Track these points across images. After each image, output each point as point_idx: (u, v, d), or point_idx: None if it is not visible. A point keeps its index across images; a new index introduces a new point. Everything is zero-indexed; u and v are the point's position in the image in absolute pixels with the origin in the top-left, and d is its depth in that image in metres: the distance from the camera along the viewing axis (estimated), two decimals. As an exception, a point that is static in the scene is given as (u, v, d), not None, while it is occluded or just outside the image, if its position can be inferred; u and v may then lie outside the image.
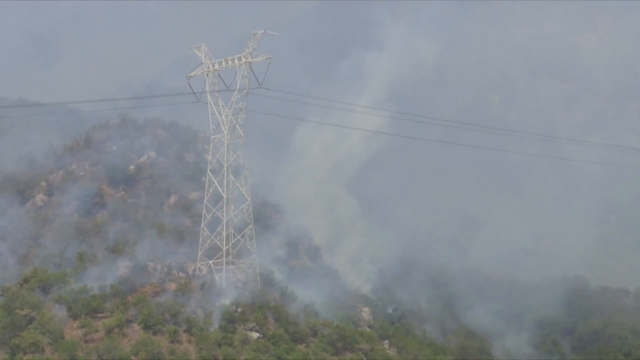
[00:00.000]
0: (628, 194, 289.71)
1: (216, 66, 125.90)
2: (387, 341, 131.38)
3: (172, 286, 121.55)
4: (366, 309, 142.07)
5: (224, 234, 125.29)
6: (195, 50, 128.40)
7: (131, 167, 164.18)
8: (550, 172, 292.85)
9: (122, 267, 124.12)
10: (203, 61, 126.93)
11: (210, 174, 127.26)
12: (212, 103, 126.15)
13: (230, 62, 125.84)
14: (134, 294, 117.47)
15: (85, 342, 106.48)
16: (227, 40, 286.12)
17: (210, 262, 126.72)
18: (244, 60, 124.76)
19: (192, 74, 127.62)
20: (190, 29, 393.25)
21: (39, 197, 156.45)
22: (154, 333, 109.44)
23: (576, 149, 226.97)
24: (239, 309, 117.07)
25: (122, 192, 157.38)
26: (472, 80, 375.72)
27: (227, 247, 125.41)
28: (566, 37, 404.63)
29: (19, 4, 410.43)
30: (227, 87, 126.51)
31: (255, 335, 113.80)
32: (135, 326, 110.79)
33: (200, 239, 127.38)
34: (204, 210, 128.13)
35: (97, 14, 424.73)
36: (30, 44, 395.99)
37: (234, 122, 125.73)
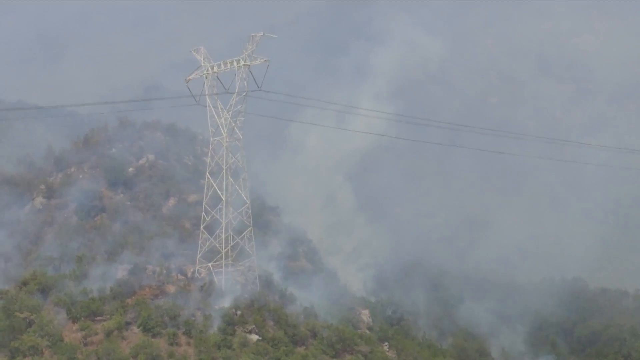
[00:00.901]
0: (627, 196, 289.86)
1: (215, 69, 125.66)
2: (386, 343, 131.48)
3: (171, 289, 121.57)
4: (365, 311, 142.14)
5: (223, 236, 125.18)
6: (194, 53, 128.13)
7: (130, 169, 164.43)
8: (550, 174, 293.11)
9: (121, 270, 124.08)
10: (202, 64, 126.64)
11: (209, 177, 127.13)
12: (211, 106, 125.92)
13: (229, 64, 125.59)
14: (133, 297, 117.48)
15: (85, 344, 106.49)
16: (225, 42, 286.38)
17: (210, 264, 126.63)
18: (242, 62, 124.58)
19: (191, 77, 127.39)
20: (188, 32, 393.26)
21: (38, 200, 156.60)
22: (153, 336, 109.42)
23: (576, 151, 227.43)
24: (238, 312, 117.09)
25: (121, 195, 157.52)
26: (473, 82, 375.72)
27: (226, 249, 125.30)
28: (566, 38, 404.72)
29: (19, 6, 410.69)
30: (226, 89, 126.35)
31: (254, 337, 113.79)
32: (135, 329, 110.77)
33: (200, 241, 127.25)
34: (203, 213, 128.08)
35: (96, 16, 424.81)
36: (29, 46, 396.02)
37: (233, 124, 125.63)
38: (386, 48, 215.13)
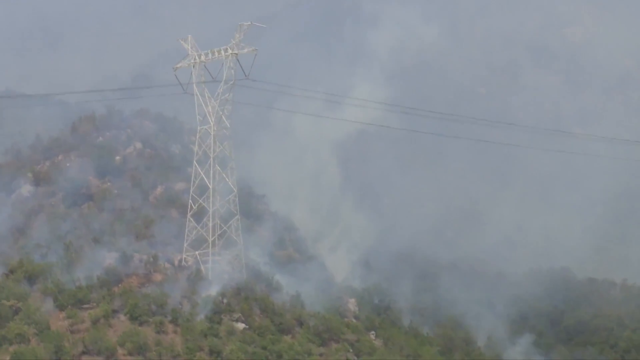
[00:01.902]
0: (616, 186, 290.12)
1: (203, 58, 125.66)
2: (373, 332, 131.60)
3: (158, 277, 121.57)
4: (352, 300, 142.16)
5: (210, 224, 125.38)
6: (182, 42, 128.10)
7: (117, 158, 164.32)
8: (541, 164, 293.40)
9: (108, 258, 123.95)
10: (190, 53, 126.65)
11: (197, 165, 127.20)
12: (198, 94, 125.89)
13: (216, 53, 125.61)
14: (120, 285, 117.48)
15: (71, 332, 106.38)
16: (213, 32, 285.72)
17: (197, 253, 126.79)
18: (230, 51, 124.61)
19: (178, 66, 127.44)
20: (176, 21, 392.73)
21: (25, 188, 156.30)
22: (140, 324, 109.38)
23: (563, 141, 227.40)
24: (225, 300, 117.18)
25: (109, 183, 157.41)
26: (463, 71, 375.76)
27: (213, 238, 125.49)
28: (556, 28, 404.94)
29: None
30: (213, 78, 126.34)
31: (241, 326, 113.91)
32: (122, 317, 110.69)
33: (186, 230, 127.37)
34: (190, 201, 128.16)
35: (84, 6, 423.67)
36: (16, 36, 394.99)
37: (220, 113, 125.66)
38: (379, 36, 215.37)
